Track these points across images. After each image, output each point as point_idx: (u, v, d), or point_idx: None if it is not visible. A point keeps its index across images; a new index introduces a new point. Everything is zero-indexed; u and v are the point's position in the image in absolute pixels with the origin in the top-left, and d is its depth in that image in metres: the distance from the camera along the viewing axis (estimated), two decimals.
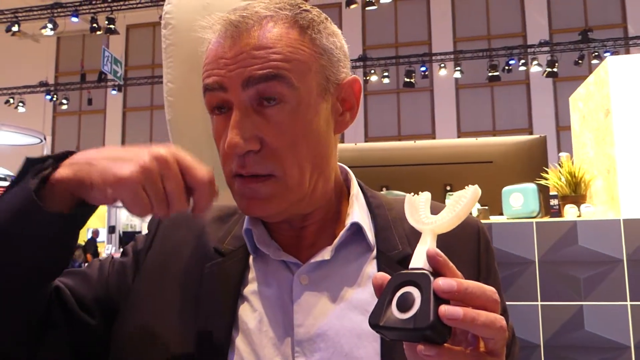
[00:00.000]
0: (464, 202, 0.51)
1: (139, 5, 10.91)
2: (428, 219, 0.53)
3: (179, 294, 0.69)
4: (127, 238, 11.92)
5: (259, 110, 0.63)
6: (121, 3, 10.64)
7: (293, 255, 0.68)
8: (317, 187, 0.67)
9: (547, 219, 1.76)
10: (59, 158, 0.59)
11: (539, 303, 1.66)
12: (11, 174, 3.20)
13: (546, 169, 1.93)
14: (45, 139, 3.32)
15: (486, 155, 2.31)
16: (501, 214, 1.89)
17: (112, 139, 16.79)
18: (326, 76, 0.66)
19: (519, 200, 1.69)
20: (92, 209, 0.61)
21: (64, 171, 0.57)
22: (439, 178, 2.31)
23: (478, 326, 0.46)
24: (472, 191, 0.51)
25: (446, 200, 1.97)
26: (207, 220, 0.75)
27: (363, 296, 0.66)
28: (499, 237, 1.72)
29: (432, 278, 0.47)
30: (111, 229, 12.88)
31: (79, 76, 14.17)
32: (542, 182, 1.86)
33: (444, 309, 0.45)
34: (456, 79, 13.54)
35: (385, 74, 12.39)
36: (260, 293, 0.67)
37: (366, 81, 12.96)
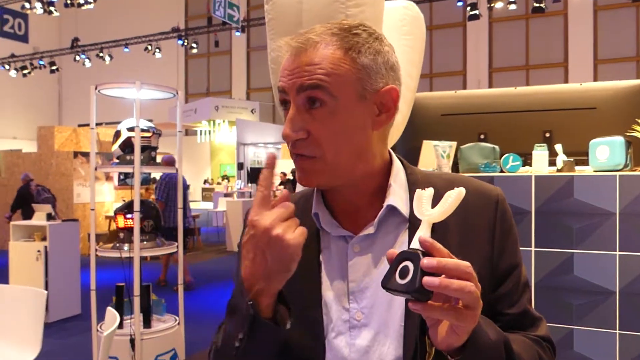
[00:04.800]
0: (449, 201, 0.71)
1: None
2: (427, 211, 0.72)
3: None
4: (254, 173, 12.66)
5: (308, 110, 0.82)
6: None
7: (349, 228, 0.89)
8: (357, 167, 0.86)
9: (631, 172, 1.74)
10: (246, 292, 0.80)
11: (617, 253, 1.70)
12: (152, 125, 3.70)
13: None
14: (177, 93, 3.77)
15: (589, 101, 2.24)
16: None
17: (238, 78, 17.71)
18: (363, 86, 0.83)
19: (605, 152, 1.69)
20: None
21: (264, 301, 0.78)
22: (538, 125, 2.30)
23: (451, 290, 0.65)
24: (457, 192, 0.71)
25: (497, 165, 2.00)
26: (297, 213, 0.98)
27: None
28: (581, 189, 1.75)
29: (421, 257, 0.67)
30: (240, 166, 13.87)
31: (205, 20, 14.99)
32: (635, 133, 1.81)
33: (426, 279, 0.65)
34: (594, 0, 12.25)
35: None
36: (329, 258, 0.91)
37: (490, 8, 12.18)
